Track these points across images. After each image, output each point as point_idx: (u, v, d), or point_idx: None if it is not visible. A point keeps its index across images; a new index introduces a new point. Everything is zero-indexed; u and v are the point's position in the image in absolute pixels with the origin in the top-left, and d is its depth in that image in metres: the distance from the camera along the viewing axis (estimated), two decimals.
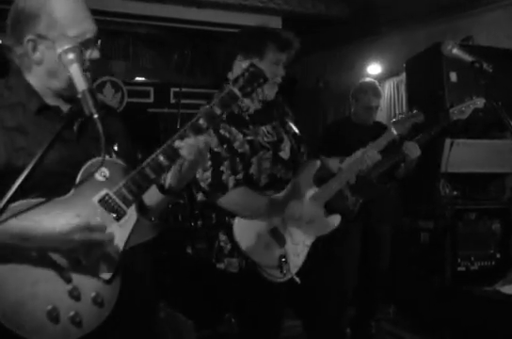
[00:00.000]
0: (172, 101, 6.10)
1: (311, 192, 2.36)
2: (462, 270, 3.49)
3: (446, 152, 3.65)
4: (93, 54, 1.48)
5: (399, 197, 4.07)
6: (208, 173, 2.18)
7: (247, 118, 2.29)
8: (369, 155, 2.44)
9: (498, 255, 3.56)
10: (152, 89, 6.28)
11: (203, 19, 5.23)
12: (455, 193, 3.68)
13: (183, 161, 1.51)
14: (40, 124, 1.46)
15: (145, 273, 1.72)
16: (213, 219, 2.48)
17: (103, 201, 1.47)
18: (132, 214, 1.51)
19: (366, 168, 2.46)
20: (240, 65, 2.27)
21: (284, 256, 2.21)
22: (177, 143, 1.48)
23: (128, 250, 1.50)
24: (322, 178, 2.42)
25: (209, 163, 2.17)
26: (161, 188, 1.58)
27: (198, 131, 1.51)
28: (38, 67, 1.47)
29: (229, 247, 2.26)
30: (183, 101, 4.85)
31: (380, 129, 4.06)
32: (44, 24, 1.42)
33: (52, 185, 1.41)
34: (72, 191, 1.43)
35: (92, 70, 1.45)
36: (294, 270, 2.24)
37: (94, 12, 1.51)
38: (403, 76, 4.90)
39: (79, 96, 1.30)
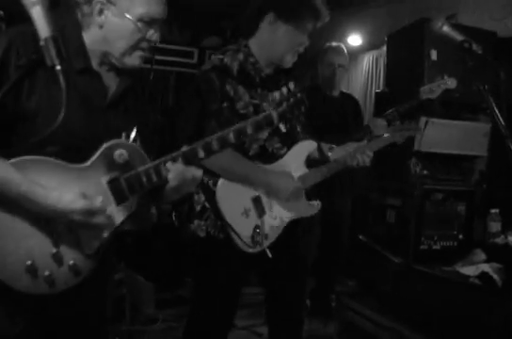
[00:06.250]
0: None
1: (299, 172, 2.32)
2: (424, 249, 3.53)
3: (420, 129, 3.63)
4: (154, 36, 1.56)
5: (361, 171, 4.06)
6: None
7: (257, 80, 2.21)
8: (363, 157, 2.41)
9: (461, 236, 3.61)
10: None
11: None
12: (424, 172, 3.69)
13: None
14: (75, 83, 1.47)
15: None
16: None
17: (111, 184, 1.50)
18: (133, 202, 1.55)
19: (355, 165, 2.44)
20: (269, 28, 2.17)
21: (259, 227, 2.18)
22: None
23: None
24: (312, 160, 2.40)
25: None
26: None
27: (209, 152, 1.55)
28: (98, 30, 1.52)
29: (199, 208, 2.21)
30: (157, 57, 4.68)
31: (347, 101, 4.03)
32: None
33: (70, 146, 1.46)
34: (88, 163, 1.48)
35: (149, 51, 1.58)
36: (266, 243, 2.22)
37: None
38: (383, 50, 4.83)
39: (41, 43, 1.19)
